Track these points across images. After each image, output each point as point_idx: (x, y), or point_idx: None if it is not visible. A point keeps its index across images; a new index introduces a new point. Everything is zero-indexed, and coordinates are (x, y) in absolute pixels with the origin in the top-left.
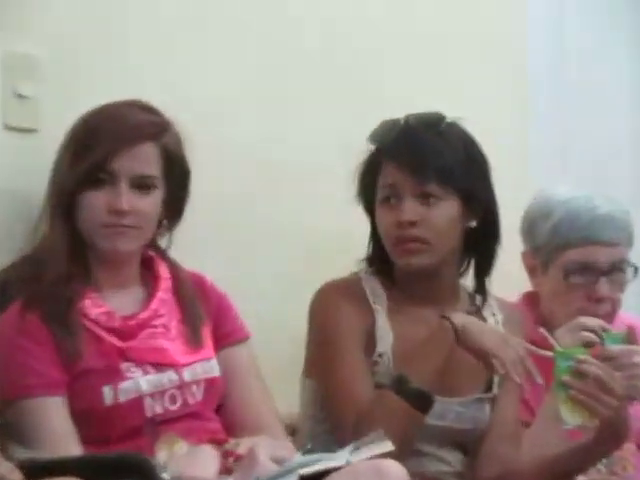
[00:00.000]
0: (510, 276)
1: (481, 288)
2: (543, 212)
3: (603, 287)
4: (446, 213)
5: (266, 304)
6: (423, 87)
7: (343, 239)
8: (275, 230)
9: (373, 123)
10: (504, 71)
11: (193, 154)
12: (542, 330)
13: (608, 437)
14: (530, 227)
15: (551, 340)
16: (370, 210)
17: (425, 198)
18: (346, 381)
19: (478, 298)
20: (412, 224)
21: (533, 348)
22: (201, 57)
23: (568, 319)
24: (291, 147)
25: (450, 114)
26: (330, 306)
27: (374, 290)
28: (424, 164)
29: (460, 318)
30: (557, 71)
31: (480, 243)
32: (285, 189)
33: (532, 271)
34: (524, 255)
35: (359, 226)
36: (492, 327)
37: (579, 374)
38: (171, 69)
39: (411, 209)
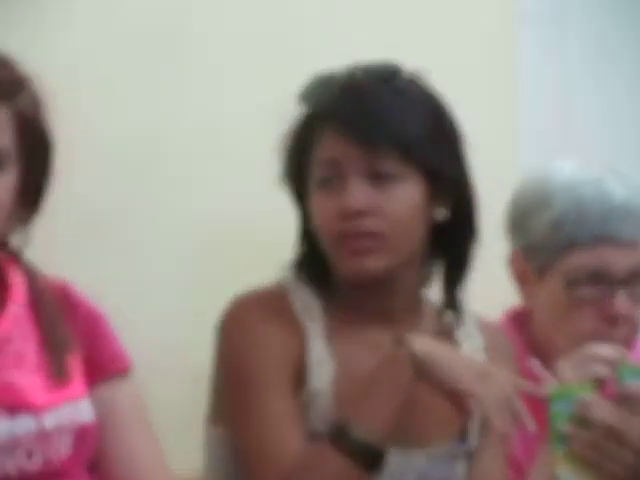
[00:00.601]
0: (494, 286)
1: (452, 302)
2: (540, 200)
3: (620, 302)
4: (407, 198)
5: (157, 323)
6: (375, 31)
7: (262, 236)
8: (168, 225)
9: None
10: (484, 16)
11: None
12: (533, 361)
13: None
14: (521, 220)
15: (545, 374)
16: (300, 196)
17: (378, 178)
18: (266, 431)
19: (449, 315)
20: (361, 214)
21: (524, 384)
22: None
23: (570, 345)
24: (184, 114)
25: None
26: (244, 327)
27: (306, 304)
28: (377, 131)
29: (421, 343)
30: (555, 22)
31: (451, 240)
32: (184, 172)
33: (522, 279)
34: (511, 258)
35: (284, 219)
36: (467, 355)
37: (583, 421)
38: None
39: (360, 193)
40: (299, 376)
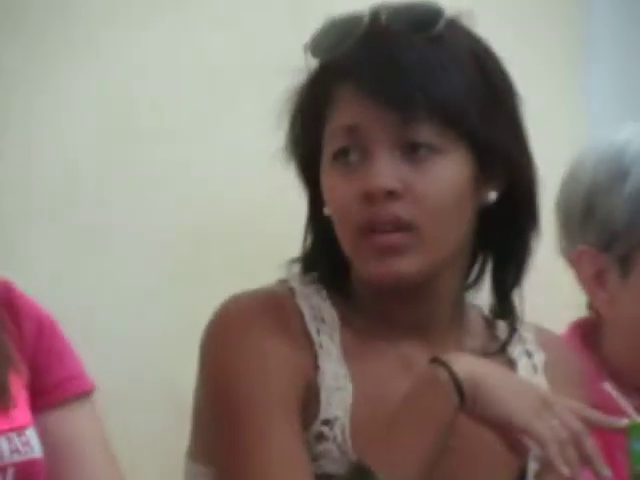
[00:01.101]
0: (553, 291)
1: (506, 309)
2: (613, 172)
3: None
4: (449, 177)
5: (125, 337)
6: None
7: (262, 227)
8: (142, 219)
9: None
10: None
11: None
12: (607, 385)
13: None
14: (589, 204)
15: (623, 402)
16: (310, 175)
17: (412, 151)
18: (265, 471)
19: (501, 326)
20: (391, 196)
21: (596, 416)
22: None
23: None
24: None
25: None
26: (237, 338)
27: (317, 310)
28: (411, 90)
29: (465, 364)
30: None
31: (503, 230)
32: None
33: (597, 281)
34: (578, 257)
35: (290, 204)
36: (522, 380)
37: None
38: None
39: (389, 169)
40: (307, 402)
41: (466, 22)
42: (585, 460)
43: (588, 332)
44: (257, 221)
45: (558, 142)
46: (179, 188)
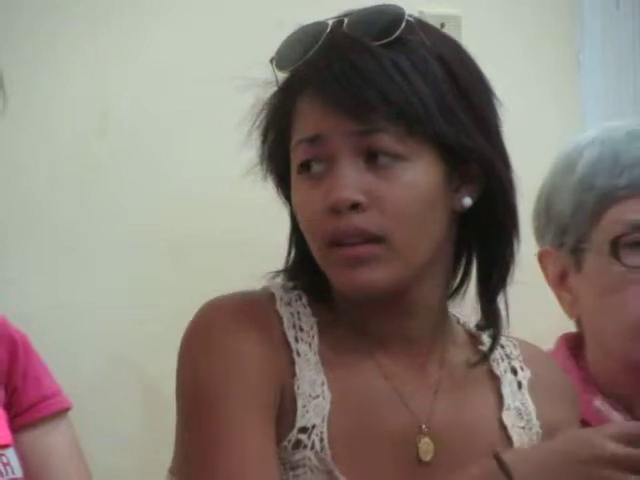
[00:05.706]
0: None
1: (491, 317)
2: (564, 168)
3: None
4: (416, 184)
5: (102, 350)
6: None
7: (246, 235)
8: (121, 224)
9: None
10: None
11: None
12: (597, 402)
13: None
14: (549, 203)
15: (616, 418)
16: (286, 189)
17: (375, 160)
18: (237, 471)
19: (486, 340)
20: (356, 207)
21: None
22: None
23: (624, 345)
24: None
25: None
26: (216, 340)
27: (297, 318)
28: (369, 98)
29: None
30: None
31: (485, 235)
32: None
33: (560, 281)
34: (542, 256)
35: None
36: (564, 450)
37: None
38: None
39: (352, 180)
40: (283, 411)
41: (432, 25)
42: None
43: (575, 345)
44: (240, 229)
45: (552, 146)
46: (159, 192)
